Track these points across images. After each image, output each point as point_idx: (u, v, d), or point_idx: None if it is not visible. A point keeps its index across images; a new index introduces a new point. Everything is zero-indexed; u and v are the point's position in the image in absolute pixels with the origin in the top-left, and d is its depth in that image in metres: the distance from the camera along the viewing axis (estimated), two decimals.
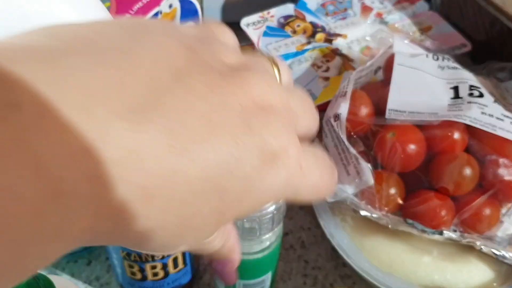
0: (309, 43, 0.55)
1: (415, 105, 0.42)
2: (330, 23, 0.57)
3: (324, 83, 0.51)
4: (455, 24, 0.58)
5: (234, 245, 0.25)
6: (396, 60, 0.44)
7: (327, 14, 0.58)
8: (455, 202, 0.41)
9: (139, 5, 0.41)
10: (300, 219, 0.54)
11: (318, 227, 0.46)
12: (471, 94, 0.42)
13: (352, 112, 0.42)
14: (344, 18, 0.58)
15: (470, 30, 0.57)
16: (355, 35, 0.55)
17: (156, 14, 0.43)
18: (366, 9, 0.59)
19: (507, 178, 0.40)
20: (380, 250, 0.43)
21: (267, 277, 0.41)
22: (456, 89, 0.43)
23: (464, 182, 0.40)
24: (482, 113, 0.41)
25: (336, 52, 0.54)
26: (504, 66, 0.49)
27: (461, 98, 0.42)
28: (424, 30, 0.57)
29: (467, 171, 0.40)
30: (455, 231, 0.40)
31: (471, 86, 0.43)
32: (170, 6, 0.44)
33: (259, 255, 0.38)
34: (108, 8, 0.40)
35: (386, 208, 0.40)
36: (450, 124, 0.41)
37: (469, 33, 0.57)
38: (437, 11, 0.60)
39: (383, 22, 0.57)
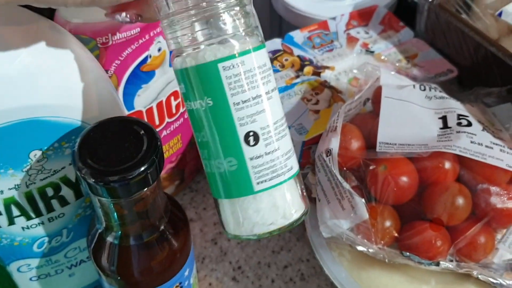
0: (297, 76, 0.56)
1: (405, 137, 0.42)
2: (317, 55, 0.58)
3: (314, 116, 0.51)
4: (441, 50, 0.59)
5: None
6: (384, 93, 0.45)
7: (314, 47, 0.59)
8: (450, 231, 0.41)
9: (128, 51, 0.42)
10: (298, 251, 0.55)
11: (317, 258, 0.46)
12: (459, 124, 0.43)
13: (343, 146, 0.43)
14: (330, 50, 0.59)
15: (455, 56, 0.57)
16: (343, 67, 0.56)
17: (145, 59, 0.44)
18: (351, 40, 0.60)
19: (499, 206, 0.40)
20: (378, 282, 0.43)
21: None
22: (444, 118, 0.43)
23: (457, 212, 0.40)
24: (472, 142, 0.41)
25: (324, 85, 0.54)
26: (491, 91, 0.50)
27: (450, 128, 0.43)
28: (410, 57, 0.58)
29: (460, 201, 0.40)
30: (451, 260, 0.41)
31: (459, 115, 0.43)
32: (159, 49, 0.45)
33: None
34: (97, 57, 0.41)
35: (382, 242, 0.41)
36: (440, 155, 0.41)
37: (455, 59, 0.58)
38: (422, 38, 0.61)
39: (369, 52, 0.58)
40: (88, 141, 0.30)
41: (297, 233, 0.56)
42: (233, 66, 0.28)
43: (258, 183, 0.30)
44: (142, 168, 0.29)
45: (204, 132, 0.31)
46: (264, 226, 0.31)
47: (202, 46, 0.29)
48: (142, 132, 0.31)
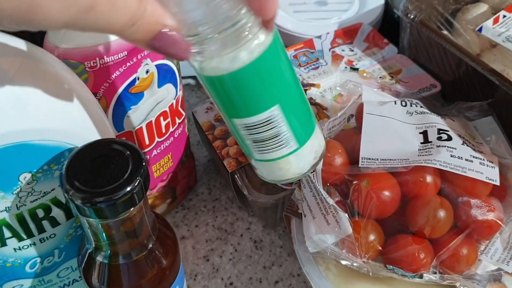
0: None
1: (386, 152, 0.43)
2: (303, 73, 0.59)
3: None
4: (424, 65, 0.60)
5: (156, 10, 0.25)
6: (365, 110, 0.46)
7: (300, 65, 0.60)
8: (433, 244, 0.42)
9: (116, 74, 0.43)
10: (289, 266, 0.55)
11: (304, 273, 0.47)
12: (439, 138, 0.44)
13: (326, 163, 0.44)
14: (316, 68, 0.60)
15: (438, 71, 0.59)
16: (328, 84, 0.57)
17: (133, 81, 0.45)
18: (336, 58, 0.61)
19: (480, 218, 0.41)
20: None
21: (276, 114, 0.31)
22: (425, 133, 0.45)
23: (438, 225, 0.41)
24: (452, 156, 0.42)
25: (310, 102, 0.56)
26: (472, 105, 0.51)
27: (430, 142, 0.44)
28: (394, 73, 0.60)
29: (441, 214, 0.41)
30: (435, 272, 0.41)
31: (439, 129, 0.45)
32: (147, 71, 0.46)
33: (246, 63, 0.29)
34: (86, 80, 0.42)
35: (366, 255, 0.41)
36: (421, 169, 0.42)
37: (438, 74, 0.59)
38: (406, 54, 0.63)
39: (353, 69, 0.60)
40: (75, 164, 0.31)
41: (288, 248, 0.57)
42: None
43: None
44: (128, 189, 0.30)
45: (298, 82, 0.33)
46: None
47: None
48: (128, 153, 0.32)
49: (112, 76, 0.43)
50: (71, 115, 0.36)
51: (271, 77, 0.30)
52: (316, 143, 0.35)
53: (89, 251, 0.36)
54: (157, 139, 0.51)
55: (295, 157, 0.34)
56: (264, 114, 0.31)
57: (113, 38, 0.41)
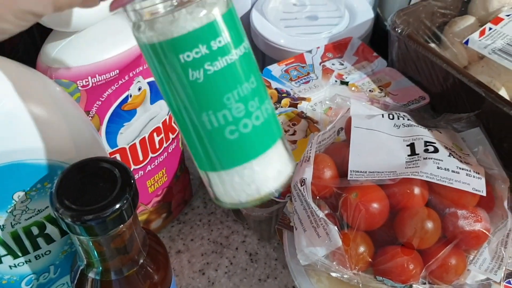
0: (275, 109, 0.58)
1: (374, 165, 0.44)
2: (294, 87, 0.60)
3: (292, 147, 0.53)
4: (412, 78, 0.61)
5: None
6: (353, 123, 0.46)
7: (291, 80, 0.61)
8: (422, 255, 0.42)
9: (108, 92, 0.44)
10: (284, 278, 0.56)
11: (296, 286, 0.47)
12: (426, 150, 0.44)
13: (316, 176, 0.44)
14: (307, 82, 0.61)
15: (426, 83, 0.60)
16: (318, 98, 0.58)
17: (126, 99, 0.45)
18: (327, 72, 0.62)
19: (467, 228, 0.42)
20: None
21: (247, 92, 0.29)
22: (412, 146, 0.45)
23: (426, 236, 0.42)
24: (438, 167, 0.43)
25: (301, 116, 0.56)
26: (460, 117, 0.52)
27: (417, 154, 0.45)
28: (383, 86, 0.60)
29: (429, 225, 0.42)
30: (424, 283, 0.42)
31: (426, 142, 0.45)
32: (139, 89, 0.46)
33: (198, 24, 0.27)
34: (78, 99, 0.42)
35: (356, 267, 0.42)
36: (409, 181, 0.43)
37: (426, 86, 0.60)
38: (395, 66, 0.63)
39: (344, 82, 0.61)
40: (65, 183, 0.32)
41: (283, 260, 0.57)
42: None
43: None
44: (117, 206, 0.31)
45: (253, 77, 0.30)
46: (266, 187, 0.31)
47: None
48: (116, 171, 0.33)
49: (105, 94, 0.44)
50: (64, 134, 0.37)
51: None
52: (279, 158, 0.32)
53: (81, 268, 0.37)
54: (151, 155, 0.51)
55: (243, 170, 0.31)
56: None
57: (105, 57, 0.42)
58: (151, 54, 0.28)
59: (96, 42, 0.42)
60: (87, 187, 0.32)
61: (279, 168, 0.31)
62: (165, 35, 0.27)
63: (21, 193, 0.36)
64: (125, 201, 0.31)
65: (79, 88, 0.42)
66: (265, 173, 0.31)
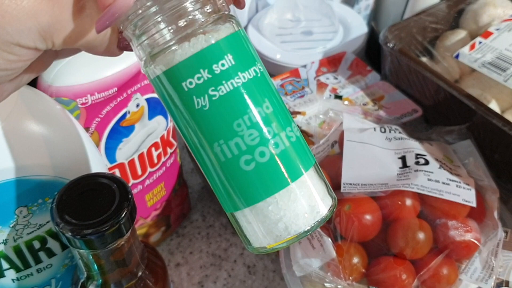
0: None
1: (367, 178, 0.45)
2: (289, 102, 0.62)
3: None
4: (405, 91, 0.63)
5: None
6: (346, 137, 0.48)
7: (286, 94, 0.63)
8: (414, 265, 0.43)
9: (107, 109, 0.45)
10: None
11: None
12: (417, 163, 0.46)
13: None
14: (302, 96, 0.62)
15: (419, 96, 0.61)
16: (313, 111, 0.60)
17: (124, 115, 0.47)
18: (321, 86, 0.63)
19: (458, 239, 0.43)
20: None
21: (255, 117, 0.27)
22: (403, 158, 0.46)
23: (418, 246, 0.43)
24: (429, 179, 0.44)
25: None
26: (452, 129, 0.53)
27: (408, 167, 0.46)
28: (377, 99, 0.62)
29: (420, 236, 0.43)
30: None
31: (417, 154, 0.46)
32: (138, 105, 0.48)
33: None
34: (78, 116, 0.44)
35: (350, 278, 0.43)
36: (400, 193, 0.44)
37: (419, 99, 0.61)
38: (388, 80, 0.65)
39: (338, 96, 0.62)
40: (65, 198, 0.33)
41: (280, 273, 0.58)
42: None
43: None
44: (115, 220, 0.32)
45: (268, 101, 0.27)
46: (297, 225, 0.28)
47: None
48: (115, 186, 0.34)
49: (103, 111, 0.45)
50: (64, 151, 0.38)
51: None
52: (309, 192, 0.28)
53: (82, 280, 0.38)
54: (149, 169, 0.52)
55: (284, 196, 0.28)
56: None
57: (103, 75, 0.43)
58: (160, 87, 0.28)
59: (95, 60, 0.43)
60: (86, 202, 0.33)
61: (310, 203, 0.28)
62: (167, 65, 0.27)
63: (23, 208, 0.37)
64: (123, 215, 0.32)
65: (79, 105, 0.43)
66: (293, 209, 0.27)
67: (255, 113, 0.27)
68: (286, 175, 0.27)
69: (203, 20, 0.27)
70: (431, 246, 0.44)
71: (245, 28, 0.76)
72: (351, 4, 0.79)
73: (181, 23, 0.27)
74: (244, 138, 0.27)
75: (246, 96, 0.27)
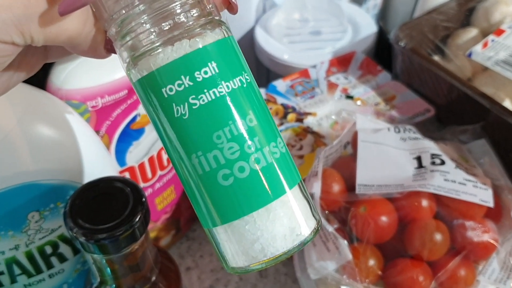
0: (281, 124, 0.58)
1: (382, 179, 0.45)
2: (299, 103, 0.61)
3: (299, 162, 0.54)
4: (417, 91, 0.62)
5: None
6: (360, 137, 0.47)
7: (296, 95, 0.62)
8: (431, 266, 0.43)
9: (117, 112, 0.45)
10: None
11: None
12: (433, 163, 0.45)
13: (324, 190, 0.45)
14: (312, 97, 0.62)
15: (431, 96, 0.60)
16: (324, 112, 0.59)
17: (134, 118, 0.46)
18: (332, 86, 0.63)
19: (475, 239, 0.42)
20: None
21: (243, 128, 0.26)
22: (419, 159, 0.46)
23: (435, 248, 0.42)
24: (445, 180, 0.43)
25: (307, 131, 0.57)
26: (466, 129, 0.52)
27: (424, 167, 0.45)
28: (388, 99, 0.61)
29: (437, 237, 0.42)
30: None
31: (432, 154, 0.46)
32: None
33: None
34: (88, 119, 0.43)
35: (367, 280, 0.42)
36: (416, 194, 0.43)
37: (431, 98, 0.60)
38: (399, 80, 0.64)
39: (348, 97, 0.61)
40: (78, 202, 0.33)
41: (292, 275, 0.57)
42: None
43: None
44: (129, 224, 0.31)
45: (253, 113, 0.26)
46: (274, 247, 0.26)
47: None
48: (128, 189, 0.33)
49: (114, 114, 0.45)
50: (75, 155, 0.37)
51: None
52: (291, 212, 0.27)
53: (95, 285, 0.37)
54: (159, 173, 0.52)
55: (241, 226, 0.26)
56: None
57: (113, 78, 0.43)
58: (140, 92, 0.26)
59: (105, 63, 0.42)
60: (99, 206, 0.32)
61: (291, 224, 0.26)
62: (148, 69, 0.26)
63: (35, 213, 0.36)
64: (137, 219, 0.32)
65: (89, 108, 0.43)
66: (271, 229, 0.26)
67: (237, 125, 0.25)
68: (266, 193, 0.26)
69: (189, 24, 0.26)
70: (448, 247, 0.43)
71: (253, 28, 0.75)
72: (359, 3, 0.78)
73: (166, 25, 0.25)
74: (224, 151, 0.25)
75: (228, 107, 0.25)
